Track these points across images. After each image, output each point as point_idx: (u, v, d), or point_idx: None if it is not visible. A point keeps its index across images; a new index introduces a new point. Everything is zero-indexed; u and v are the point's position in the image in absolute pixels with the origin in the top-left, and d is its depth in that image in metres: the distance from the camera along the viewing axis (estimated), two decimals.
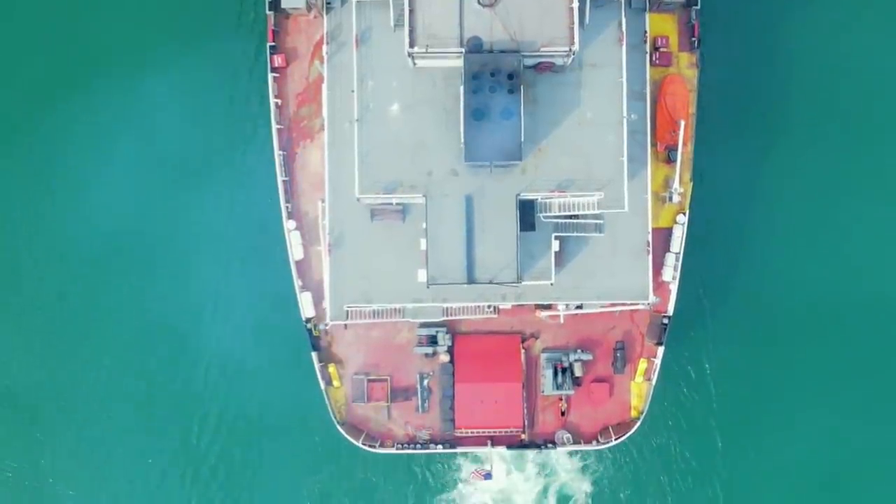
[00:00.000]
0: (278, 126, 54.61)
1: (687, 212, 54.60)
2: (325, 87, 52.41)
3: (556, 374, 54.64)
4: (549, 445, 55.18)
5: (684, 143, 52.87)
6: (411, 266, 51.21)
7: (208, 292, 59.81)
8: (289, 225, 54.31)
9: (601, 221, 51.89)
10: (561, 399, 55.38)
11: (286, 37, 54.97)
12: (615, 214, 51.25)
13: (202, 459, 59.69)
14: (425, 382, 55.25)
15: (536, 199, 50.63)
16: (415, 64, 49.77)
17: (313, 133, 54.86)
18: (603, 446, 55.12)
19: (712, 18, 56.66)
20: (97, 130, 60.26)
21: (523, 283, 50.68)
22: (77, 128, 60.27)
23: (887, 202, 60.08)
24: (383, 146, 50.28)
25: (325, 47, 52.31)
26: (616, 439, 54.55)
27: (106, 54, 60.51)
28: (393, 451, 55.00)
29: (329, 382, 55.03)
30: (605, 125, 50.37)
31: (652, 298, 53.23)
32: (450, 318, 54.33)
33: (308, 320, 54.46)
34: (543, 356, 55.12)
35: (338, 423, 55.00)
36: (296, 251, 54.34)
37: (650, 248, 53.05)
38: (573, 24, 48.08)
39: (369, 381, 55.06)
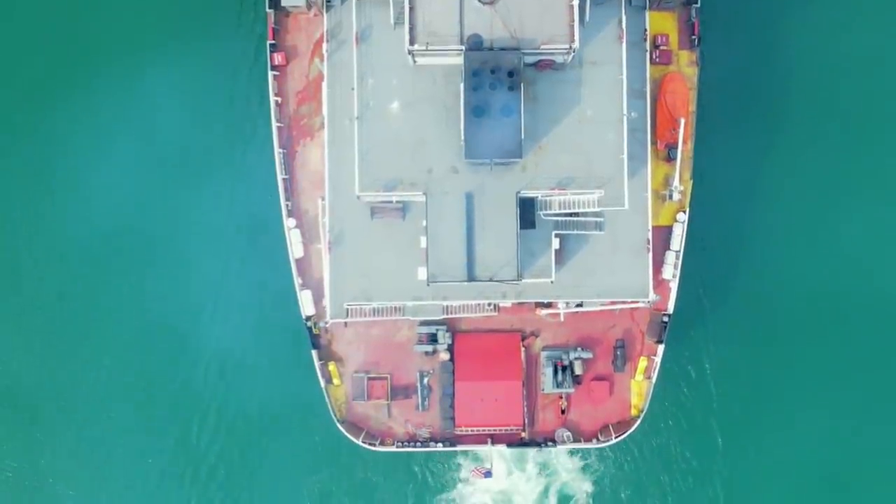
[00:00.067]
0: (278, 124, 54.68)
1: (687, 210, 54.64)
2: (325, 85, 52.46)
3: (556, 372, 54.65)
4: (550, 444, 55.21)
5: (684, 142, 52.90)
6: (411, 264, 51.26)
7: (208, 291, 59.81)
8: (289, 223, 54.35)
9: (601, 219, 52.01)
10: (561, 397, 55.39)
11: (286, 35, 55.06)
12: (615, 212, 51.30)
13: (202, 458, 59.68)
14: (425, 380, 55.26)
15: (537, 197, 50.68)
16: (415, 61, 49.80)
17: (313, 131, 54.90)
18: (603, 444, 55.13)
19: (712, 16, 56.79)
20: (97, 130, 60.30)
21: (523, 280, 50.72)
22: (77, 127, 60.32)
23: (887, 200, 60.11)
24: (383, 144, 50.33)
25: (325, 45, 52.39)
26: (616, 437, 54.56)
27: (105, 53, 60.53)
28: (393, 449, 54.99)
29: (329, 380, 55.05)
30: (605, 123, 50.42)
31: (652, 296, 53.28)
32: (450, 316, 54.35)
33: (308, 318, 54.50)
34: (543, 354, 55.13)
35: (338, 421, 55.00)
36: (296, 249, 54.38)
37: (650, 246, 53.09)
38: (573, 21, 48.17)
39: (369, 379, 55.05)
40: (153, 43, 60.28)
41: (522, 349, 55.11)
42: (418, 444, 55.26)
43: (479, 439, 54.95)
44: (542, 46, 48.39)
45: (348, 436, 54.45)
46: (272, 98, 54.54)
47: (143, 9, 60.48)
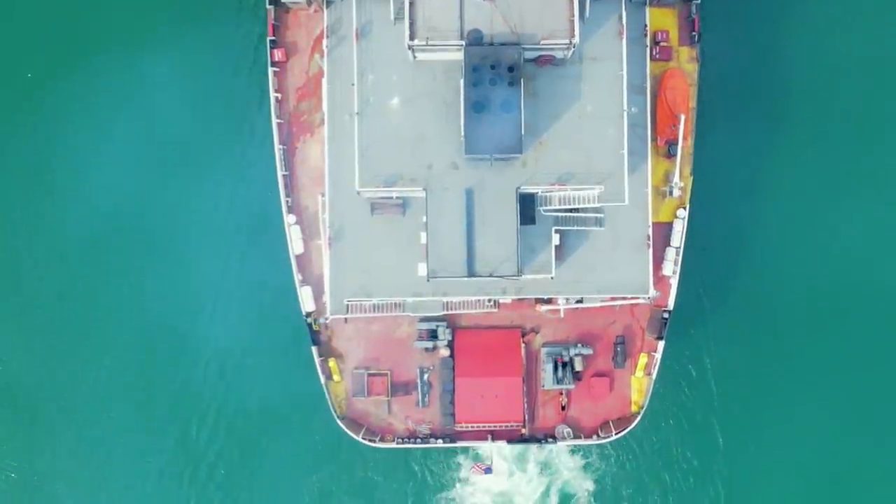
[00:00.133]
0: (278, 121, 54.70)
1: (687, 206, 54.64)
2: (325, 81, 52.51)
3: (556, 368, 54.63)
4: (550, 440, 55.15)
5: (684, 138, 52.98)
6: (411, 260, 51.27)
7: (208, 289, 59.84)
8: (289, 219, 54.36)
9: (601, 215, 52.07)
10: (561, 393, 55.33)
11: (286, 31, 55.08)
12: (615, 208, 51.32)
13: (201, 457, 59.70)
14: (425, 377, 55.21)
15: (537, 193, 50.77)
16: (415, 57, 49.89)
17: (313, 127, 54.90)
18: (603, 441, 55.07)
19: (712, 13, 56.79)
20: (97, 128, 60.41)
21: (523, 276, 50.75)
22: (76, 125, 60.47)
23: (887, 197, 60.08)
24: (383, 140, 50.38)
25: (325, 41, 52.44)
26: (616, 434, 54.49)
27: (105, 52, 60.60)
28: (393, 445, 54.95)
29: (329, 377, 55.01)
30: (605, 118, 50.48)
31: (652, 292, 53.24)
32: (450, 312, 54.36)
33: (308, 315, 54.51)
34: (544, 351, 55.08)
35: (338, 417, 54.93)
36: (296, 245, 54.39)
37: (650, 242, 53.04)
38: (573, 17, 48.33)
39: (369, 375, 55.03)
40: (152, 41, 60.38)
41: (522, 345, 55.09)
42: (418, 440, 55.20)
43: (480, 435, 54.89)
44: (543, 42, 48.52)
45: (348, 432, 54.40)
46: (272, 94, 54.55)
47: (143, 7, 60.46)
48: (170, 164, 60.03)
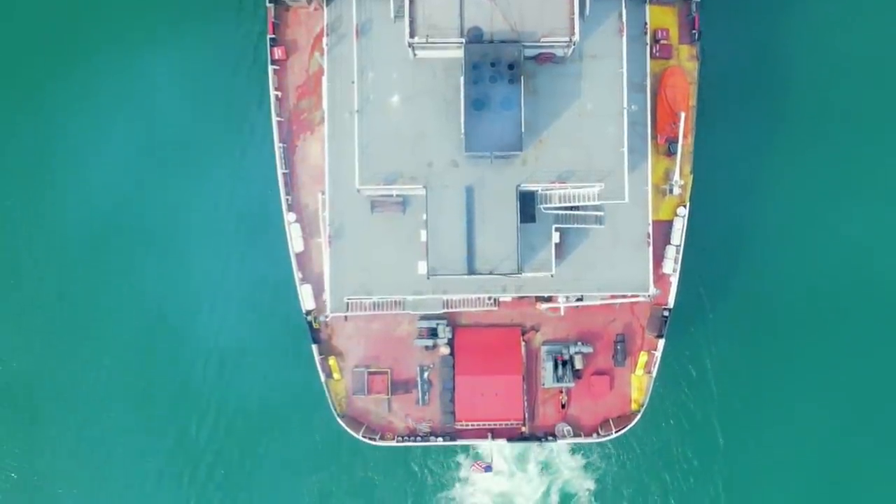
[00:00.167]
0: (278, 119, 54.67)
1: (687, 204, 54.61)
2: (325, 78, 52.42)
3: (556, 366, 54.59)
4: (550, 438, 55.09)
5: (685, 136, 52.95)
6: (412, 258, 51.23)
7: (208, 287, 59.85)
8: (289, 217, 54.32)
9: (602, 213, 51.97)
10: (561, 392, 55.30)
11: (286, 29, 55.06)
12: (615, 206, 51.27)
13: (201, 457, 59.65)
14: (426, 375, 55.16)
15: (537, 191, 50.73)
16: (415, 55, 49.87)
17: (313, 125, 54.89)
18: (603, 439, 55.01)
19: (713, 11, 56.71)
20: (96, 127, 60.42)
21: (524, 274, 50.71)
22: (75, 123, 60.48)
23: (887, 195, 60.08)
24: (383, 137, 50.33)
25: (325, 39, 52.31)
26: (616, 432, 54.44)
27: (105, 51, 60.69)
28: (393, 443, 54.91)
29: (329, 375, 54.97)
30: (605, 116, 50.43)
31: (652, 290, 53.18)
32: (450, 310, 54.33)
33: (308, 313, 54.45)
34: (544, 349, 55.05)
35: (338, 415, 54.89)
36: (296, 243, 54.35)
37: (650, 240, 53.01)
38: (573, 14, 48.29)
39: (370, 373, 54.99)
40: (152, 40, 60.42)
41: (523, 343, 55.03)
42: (418, 438, 55.16)
43: (480, 434, 54.84)
44: (543, 39, 48.48)
45: (348, 430, 54.36)
46: (272, 92, 54.52)
47: (143, 5, 60.52)
48: (169, 164, 60.05)
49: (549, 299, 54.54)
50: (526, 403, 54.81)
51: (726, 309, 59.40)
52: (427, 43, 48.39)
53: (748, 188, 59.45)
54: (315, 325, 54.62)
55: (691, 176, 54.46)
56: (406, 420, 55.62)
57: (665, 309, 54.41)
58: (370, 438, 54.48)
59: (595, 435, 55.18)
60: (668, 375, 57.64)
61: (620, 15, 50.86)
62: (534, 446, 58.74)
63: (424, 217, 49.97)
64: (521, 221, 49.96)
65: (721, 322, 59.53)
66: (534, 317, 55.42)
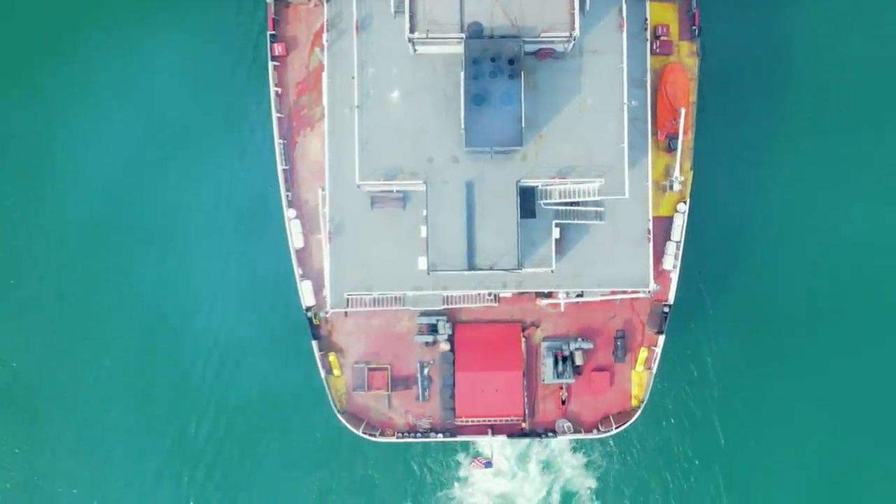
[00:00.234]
0: (278, 115, 54.71)
1: (688, 200, 54.63)
2: (325, 74, 52.44)
3: (556, 362, 54.56)
4: (550, 434, 55.07)
5: (685, 132, 53.01)
6: (412, 253, 51.23)
7: (209, 284, 59.82)
8: (289, 213, 54.34)
9: (602, 209, 51.92)
10: (562, 388, 55.28)
11: (286, 25, 55.10)
12: (615, 202, 51.24)
13: (200, 456, 59.57)
14: (426, 371, 55.13)
15: (537, 186, 50.68)
16: (415, 50, 49.84)
17: (313, 122, 54.93)
18: (603, 435, 54.99)
19: (713, 7, 56.83)
20: (96, 126, 60.43)
21: (524, 270, 50.64)
22: (75, 120, 60.50)
23: (887, 191, 60.07)
24: (384, 133, 50.29)
25: (325, 35, 52.31)
26: (617, 428, 54.43)
27: (105, 50, 60.76)
28: (393, 440, 54.87)
29: (329, 371, 54.95)
30: (605, 112, 50.38)
31: (653, 286, 53.16)
32: (450, 306, 54.35)
33: (308, 309, 54.42)
34: (544, 345, 55.04)
35: (338, 411, 54.88)
36: (296, 240, 54.37)
37: (651, 236, 53.00)
38: (574, 9, 48.24)
39: (370, 369, 54.95)
40: (152, 37, 60.37)
41: (523, 339, 55.02)
42: (419, 434, 55.14)
43: (480, 430, 54.82)
44: (543, 34, 48.42)
45: (349, 426, 54.33)
46: (272, 89, 54.55)
47: (142, 2, 60.56)
48: (169, 161, 60.12)
49: (549, 295, 54.53)
50: (526, 399, 54.78)
51: (726, 305, 59.38)
52: (427, 38, 48.35)
53: (748, 184, 59.47)
54: (315, 322, 54.59)
55: (691, 172, 54.46)
56: (406, 416, 55.58)
57: (665, 305, 54.39)
58: (370, 435, 54.43)
59: (595, 431, 55.12)
60: (668, 372, 57.60)
61: (621, 10, 50.80)
62: (535, 445, 58.70)
63: (424, 213, 49.93)
64: (522, 217, 49.92)
65: (721, 318, 59.52)
66: (534, 313, 55.40)
